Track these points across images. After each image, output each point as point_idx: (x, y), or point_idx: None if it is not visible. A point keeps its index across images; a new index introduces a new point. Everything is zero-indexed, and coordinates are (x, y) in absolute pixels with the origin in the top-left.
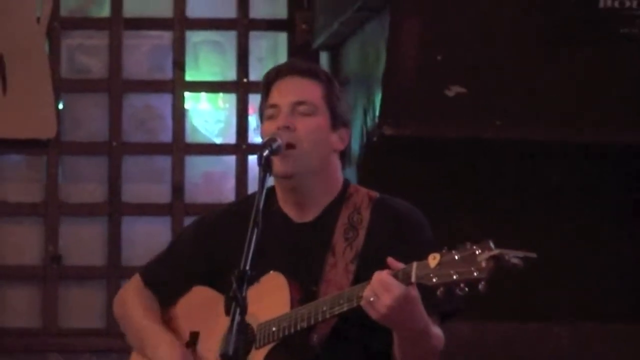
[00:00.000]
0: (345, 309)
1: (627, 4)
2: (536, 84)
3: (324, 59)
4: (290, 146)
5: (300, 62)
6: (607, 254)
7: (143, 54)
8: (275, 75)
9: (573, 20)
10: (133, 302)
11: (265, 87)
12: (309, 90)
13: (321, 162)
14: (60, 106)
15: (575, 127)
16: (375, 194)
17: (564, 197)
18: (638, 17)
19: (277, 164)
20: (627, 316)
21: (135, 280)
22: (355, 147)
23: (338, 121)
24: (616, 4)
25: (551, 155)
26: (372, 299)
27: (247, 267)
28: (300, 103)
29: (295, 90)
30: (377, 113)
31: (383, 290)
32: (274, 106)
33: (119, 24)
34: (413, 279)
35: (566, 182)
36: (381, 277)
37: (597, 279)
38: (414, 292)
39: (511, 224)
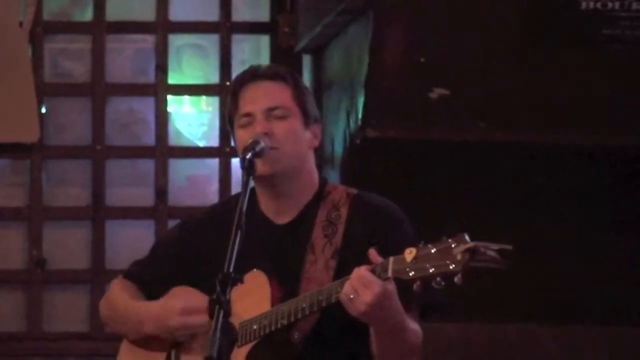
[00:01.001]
0: (324, 305)
1: (609, 5)
2: (519, 85)
3: (306, 61)
4: (273, 149)
5: (263, 66)
6: (593, 255)
7: (126, 58)
8: (241, 82)
9: (555, 22)
10: (118, 293)
11: (233, 95)
12: (279, 93)
13: (300, 161)
14: (44, 110)
15: (558, 128)
16: (353, 191)
17: (547, 199)
18: (620, 18)
19: (260, 164)
20: (614, 318)
21: (118, 280)
22: (339, 149)
23: (310, 118)
24: (598, 5)
25: (534, 157)
26: (351, 296)
27: (231, 270)
28: (273, 108)
29: (266, 95)
30: (360, 115)
31: (362, 287)
32: (247, 115)
33: (101, 28)
34: (390, 274)
35: (550, 183)
36: (360, 274)
37: (584, 281)
38: (391, 287)
39: (494, 226)
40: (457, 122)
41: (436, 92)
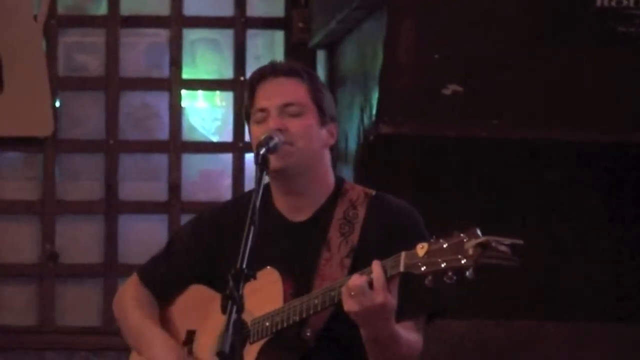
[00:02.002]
0: (336, 300)
1: (624, 2)
2: (533, 83)
3: (320, 57)
4: (287, 144)
5: (281, 62)
6: (604, 252)
7: (140, 52)
8: (258, 78)
9: (570, 20)
10: (130, 302)
11: (250, 90)
12: (295, 90)
13: (315, 159)
14: (57, 104)
15: (573, 126)
16: (372, 191)
17: (560, 196)
18: (635, 15)
19: (273, 160)
20: (624, 315)
21: (133, 280)
22: (352, 145)
23: (326, 117)
24: (613, 3)
25: (549, 154)
26: (352, 293)
27: (244, 266)
28: (288, 104)
29: (282, 91)
30: (374, 111)
31: (364, 292)
32: (262, 110)
33: (116, 22)
34: (401, 268)
35: (563, 181)
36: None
37: (594, 278)
38: (392, 302)
39: (508, 223)
40: (470, 118)
41: (450, 89)
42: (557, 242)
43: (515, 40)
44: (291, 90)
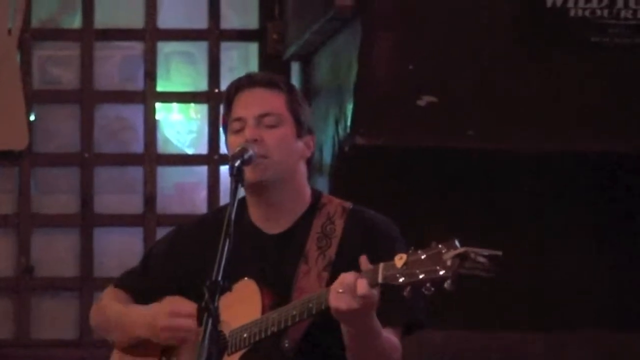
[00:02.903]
0: (314, 312)
1: (598, 12)
2: (508, 93)
3: (295, 69)
4: (261, 157)
5: (260, 73)
6: (585, 261)
7: (114, 65)
8: (236, 88)
9: (544, 30)
10: (108, 301)
11: (227, 100)
12: (272, 101)
13: (290, 171)
14: (32, 117)
15: (547, 136)
16: (349, 205)
17: (537, 206)
18: (609, 25)
19: (248, 172)
20: (606, 324)
21: (109, 289)
22: (327, 157)
23: (303, 129)
24: (587, 13)
25: (524, 164)
26: (340, 290)
27: (219, 278)
28: (265, 115)
29: (259, 102)
30: (349, 123)
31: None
32: (239, 119)
33: (90, 35)
34: (380, 279)
35: (539, 190)
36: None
37: (574, 287)
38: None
39: (484, 233)
40: (445, 129)
41: (424, 100)
42: (533, 252)
43: (490, 50)
44: (269, 100)
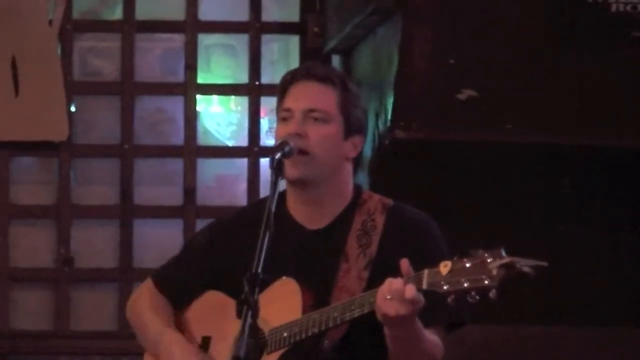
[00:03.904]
0: (356, 314)
1: (639, 7)
2: (548, 87)
3: (335, 62)
4: (302, 152)
5: (318, 66)
6: (618, 257)
7: (155, 57)
8: (291, 78)
9: (585, 24)
10: (146, 306)
11: (282, 89)
12: (323, 97)
13: (332, 170)
14: (72, 109)
15: (586, 131)
16: (390, 201)
17: (575, 201)
18: None
19: (288, 168)
20: (633, 320)
21: (147, 285)
22: (367, 151)
23: (352, 129)
24: (628, 8)
25: (563, 159)
26: (388, 297)
27: (259, 270)
28: (313, 110)
29: (310, 96)
30: (389, 117)
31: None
32: (287, 110)
33: (131, 27)
34: (424, 286)
35: (578, 185)
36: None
37: (604, 282)
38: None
39: (522, 227)
40: (485, 123)
41: (465, 94)
42: (569, 246)
43: (530, 44)
44: (320, 96)
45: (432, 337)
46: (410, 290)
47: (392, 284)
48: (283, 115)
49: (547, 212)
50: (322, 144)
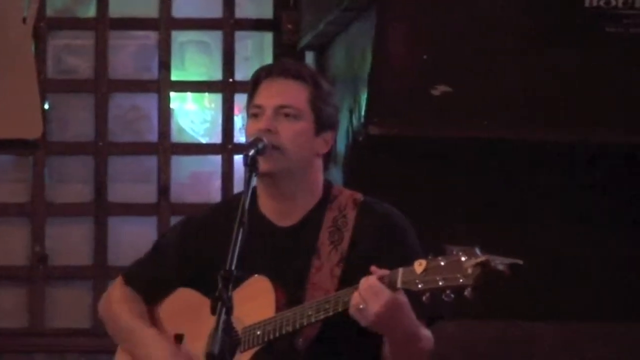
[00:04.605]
0: (330, 313)
1: (613, 3)
2: (522, 83)
3: (309, 58)
4: (273, 147)
5: (289, 63)
6: (595, 253)
7: (129, 54)
8: (263, 74)
9: (559, 20)
10: (118, 302)
11: (253, 85)
12: (294, 93)
13: (303, 165)
14: (47, 106)
15: (561, 126)
16: (360, 196)
17: (550, 197)
18: (624, 16)
19: (261, 162)
20: (615, 315)
21: (119, 282)
22: (341, 147)
23: (323, 125)
24: (602, 3)
25: (537, 155)
26: (361, 307)
27: (233, 267)
28: (284, 107)
29: (281, 92)
30: (363, 113)
31: (372, 297)
32: (258, 106)
33: (105, 24)
34: (399, 285)
35: (556, 181)
36: (369, 283)
37: (584, 278)
38: (402, 297)
39: (497, 224)
40: (459, 119)
41: (439, 90)
42: (546, 242)
43: (505, 40)
44: (290, 92)
45: (424, 332)
46: (371, 282)
47: (365, 285)
48: (254, 112)
49: (522, 208)
50: (293, 140)
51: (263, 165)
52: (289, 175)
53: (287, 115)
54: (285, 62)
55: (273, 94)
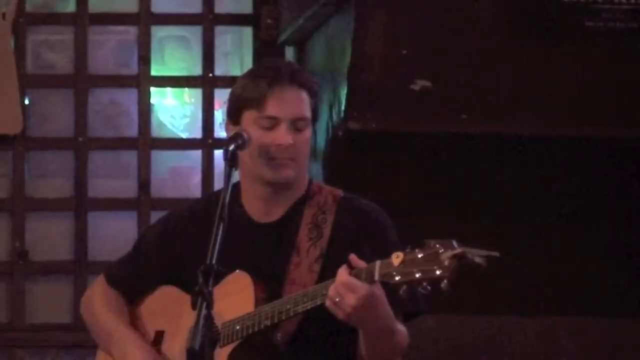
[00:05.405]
0: (309, 307)
1: None
2: (502, 78)
3: (289, 53)
4: (292, 159)
5: (297, 70)
6: (576, 248)
7: (108, 49)
8: (274, 80)
9: (538, 14)
10: (99, 302)
11: (259, 91)
12: (306, 105)
13: (305, 170)
14: (26, 102)
15: (540, 120)
16: (340, 193)
17: (530, 191)
18: (602, 10)
19: (270, 171)
20: (595, 310)
21: (100, 281)
22: (321, 142)
23: (315, 126)
24: None
25: (517, 149)
26: (337, 300)
27: (214, 262)
28: (300, 119)
29: (296, 105)
30: (342, 107)
31: (347, 291)
32: (272, 118)
33: (84, 20)
34: (376, 277)
35: (532, 176)
36: (344, 279)
37: (565, 274)
38: (378, 290)
39: (476, 218)
40: (439, 114)
41: (418, 84)
42: (526, 237)
43: (484, 35)
44: (303, 104)
45: (400, 327)
46: (346, 275)
47: (339, 280)
48: (265, 124)
49: (503, 203)
50: (305, 149)
51: (275, 174)
52: (294, 181)
53: (299, 127)
54: (290, 67)
55: (289, 106)
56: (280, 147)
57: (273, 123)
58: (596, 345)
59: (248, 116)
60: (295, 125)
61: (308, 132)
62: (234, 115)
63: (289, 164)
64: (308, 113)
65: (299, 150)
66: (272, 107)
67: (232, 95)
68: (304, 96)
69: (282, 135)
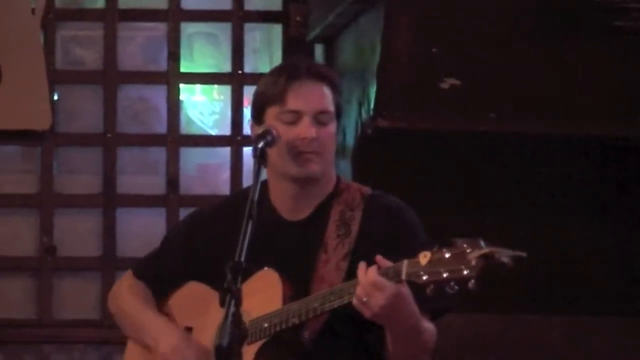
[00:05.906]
0: (335, 305)
1: None
2: (530, 76)
3: (318, 51)
4: (317, 154)
5: (315, 64)
6: (604, 247)
7: (137, 46)
8: (293, 75)
9: (567, 13)
10: (127, 294)
11: (279, 86)
12: (328, 98)
13: (332, 166)
14: (55, 97)
15: (569, 120)
16: (368, 190)
17: (558, 190)
18: (632, 9)
19: (296, 167)
20: (621, 309)
21: (128, 275)
22: (350, 140)
23: (340, 122)
24: None
25: (546, 148)
26: (364, 299)
27: (242, 259)
28: (322, 112)
29: (318, 98)
30: (371, 106)
31: (375, 290)
32: (295, 112)
33: (113, 16)
34: (403, 277)
35: (562, 174)
36: (372, 277)
37: (592, 272)
38: (405, 289)
39: (506, 217)
40: (468, 112)
41: (448, 83)
42: (554, 235)
43: (514, 33)
44: (326, 97)
45: (427, 325)
46: (384, 284)
47: (368, 279)
48: (288, 118)
49: (531, 202)
50: (331, 144)
51: (300, 169)
52: (321, 177)
53: (323, 120)
54: (313, 64)
55: (311, 99)
56: (304, 140)
57: (295, 117)
58: (626, 347)
59: (271, 113)
60: (318, 118)
61: (332, 127)
62: (257, 115)
63: (314, 158)
64: (330, 107)
65: (324, 144)
66: (293, 101)
67: (254, 95)
68: (325, 90)
69: (305, 129)
